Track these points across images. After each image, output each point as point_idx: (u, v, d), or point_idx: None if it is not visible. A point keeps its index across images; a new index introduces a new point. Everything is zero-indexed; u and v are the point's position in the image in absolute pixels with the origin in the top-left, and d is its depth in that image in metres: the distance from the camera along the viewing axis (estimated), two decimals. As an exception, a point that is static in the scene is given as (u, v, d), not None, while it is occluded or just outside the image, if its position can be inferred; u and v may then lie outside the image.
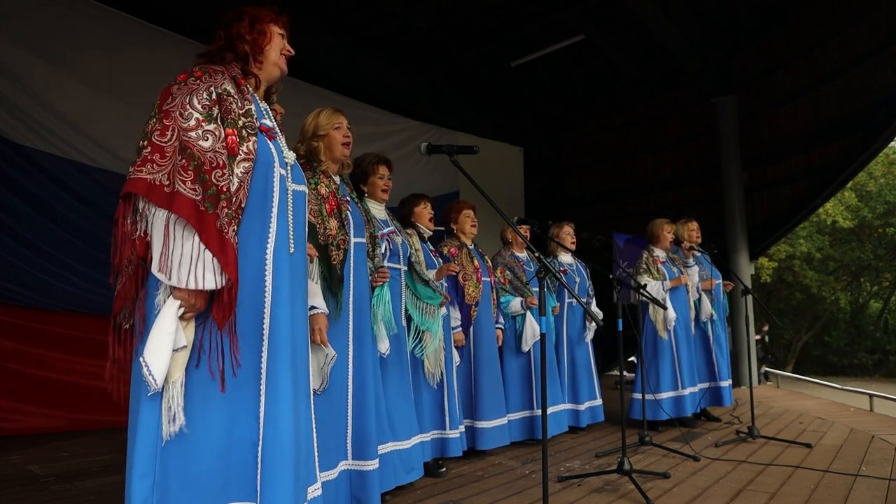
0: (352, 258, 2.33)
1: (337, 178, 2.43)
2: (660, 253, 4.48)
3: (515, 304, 3.90)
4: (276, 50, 1.71)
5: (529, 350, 3.93)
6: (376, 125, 6.80)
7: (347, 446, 2.30)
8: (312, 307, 2.03)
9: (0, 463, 3.27)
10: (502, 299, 3.91)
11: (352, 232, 2.35)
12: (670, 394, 4.29)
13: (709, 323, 4.66)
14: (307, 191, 1.76)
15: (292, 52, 1.76)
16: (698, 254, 4.75)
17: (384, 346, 2.55)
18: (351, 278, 2.33)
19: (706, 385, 4.60)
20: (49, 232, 4.22)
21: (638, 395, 4.19)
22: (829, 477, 2.99)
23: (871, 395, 6.45)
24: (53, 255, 4.21)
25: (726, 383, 4.65)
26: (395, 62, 7.29)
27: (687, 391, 4.33)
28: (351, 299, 2.35)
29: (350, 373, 2.33)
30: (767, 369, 9.34)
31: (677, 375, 4.30)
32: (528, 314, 3.88)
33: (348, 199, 2.43)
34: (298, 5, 5.79)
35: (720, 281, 4.87)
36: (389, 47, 7.12)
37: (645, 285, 4.25)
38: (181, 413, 1.36)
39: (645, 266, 4.37)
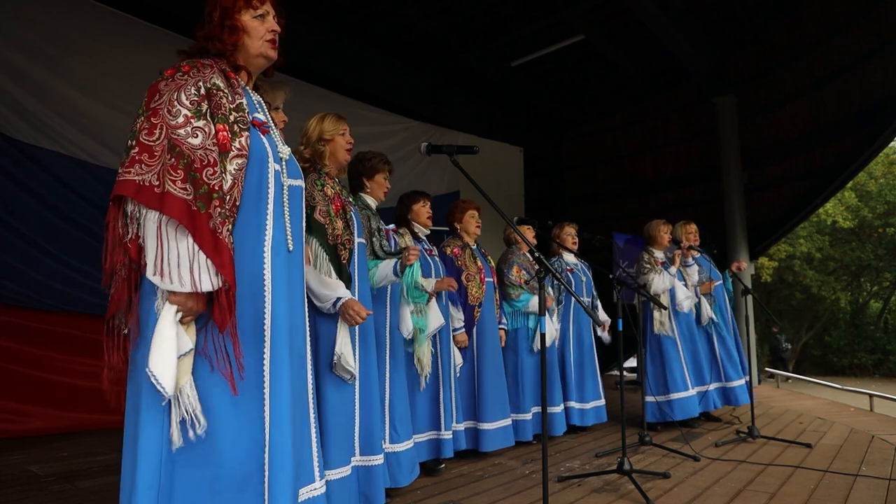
0: (356, 257, 2.38)
1: (338, 181, 2.48)
2: (659, 254, 4.48)
3: (535, 301, 3.85)
4: (257, 39, 1.59)
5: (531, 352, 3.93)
6: (376, 125, 6.80)
7: (355, 442, 2.32)
8: (339, 298, 2.14)
9: (0, 463, 3.27)
10: (522, 297, 3.89)
11: (355, 232, 2.39)
12: (681, 394, 4.27)
13: (711, 325, 4.62)
14: (304, 186, 1.71)
15: (278, 29, 1.63)
16: (697, 255, 4.74)
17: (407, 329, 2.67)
18: (356, 277, 2.37)
19: (713, 386, 4.56)
20: (50, 231, 4.22)
21: (651, 398, 4.20)
22: (829, 477, 2.98)
23: (871, 395, 6.45)
24: (55, 255, 4.21)
25: (738, 382, 4.60)
26: (395, 62, 7.29)
27: (694, 391, 4.32)
28: (356, 297, 2.39)
29: (356, 369, 2.35)
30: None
31: (686, 376, 4.30)
32: (548, 314, 3.88)
33: (350, 200, 2.47)
34: (297, 3, 5.79)
35: (720, 282, 4.84)
36: (389, 47, 7.11)
37: (646, 285, 4.26)
38: (202, 417, 1.33)
39: (648, 265, 4.36)
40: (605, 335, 4.40)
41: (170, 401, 1.33)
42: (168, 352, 1.30)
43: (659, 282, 4.26)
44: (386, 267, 2.61)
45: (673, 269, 4.37)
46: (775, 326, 15.98)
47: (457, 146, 2.00)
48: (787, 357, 15.66)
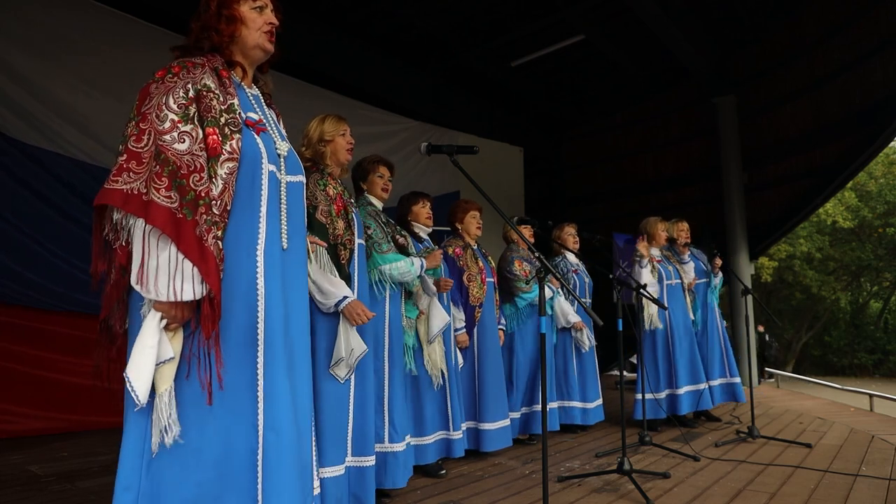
0: (356, 258, 2.39)
1: (340, 182, 2.49)
2: (655, 252, 4.48)
3: (546, 291, 3.86)
4: (255, 30, 1.57)
5: (528, 350, 3.93)
6: (376, 125, 6.80)
7: (348, 442, 2.32)
8: (344, 297, 2.16)
9: (0, 463, 3.27)
10: (534, 288, 3.90)
11: (356, 233, 2.39)
12: (666, 392, 4.31)
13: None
14: (305, 182, 1.70)
15: (276, 23, 1.60)
16: (688, 252, 4.74)
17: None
18: (356, 277, 2.38)
19: (703, 385, 4.55)
20: (52, 231, 4.21)
21: (639, 396, 4.20)
22: (829, 477, 2.98)
23: (871, 395, 6.45)
24: (57, 254, 4.20)
25: (716, 382, 4.60)
26: (395, 61, 7.29)
27: (683, 390, 4.32)
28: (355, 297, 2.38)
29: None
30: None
31: (672, 374, 4.30)
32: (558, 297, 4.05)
33: (351, 201, 2.48)
34: (297, 2, 5.77)
35: (705, 280, 4.83)
36: (390, 46, 7.11)
37: (645, 285, 4.25)
38: (175, 425, 1.32)
39: (637, 258, 4.36)
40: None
41: (151, 406, 1.33)
42: (146, 359, 1.30)
43: (636, 275, 4.27)
44: (415, 268, 2.73)
45: (644, 261, 4.34)
46: (760, 326, 15.95)
47: (457, 146, 2.00)
48: (770, 356, 15.59)
